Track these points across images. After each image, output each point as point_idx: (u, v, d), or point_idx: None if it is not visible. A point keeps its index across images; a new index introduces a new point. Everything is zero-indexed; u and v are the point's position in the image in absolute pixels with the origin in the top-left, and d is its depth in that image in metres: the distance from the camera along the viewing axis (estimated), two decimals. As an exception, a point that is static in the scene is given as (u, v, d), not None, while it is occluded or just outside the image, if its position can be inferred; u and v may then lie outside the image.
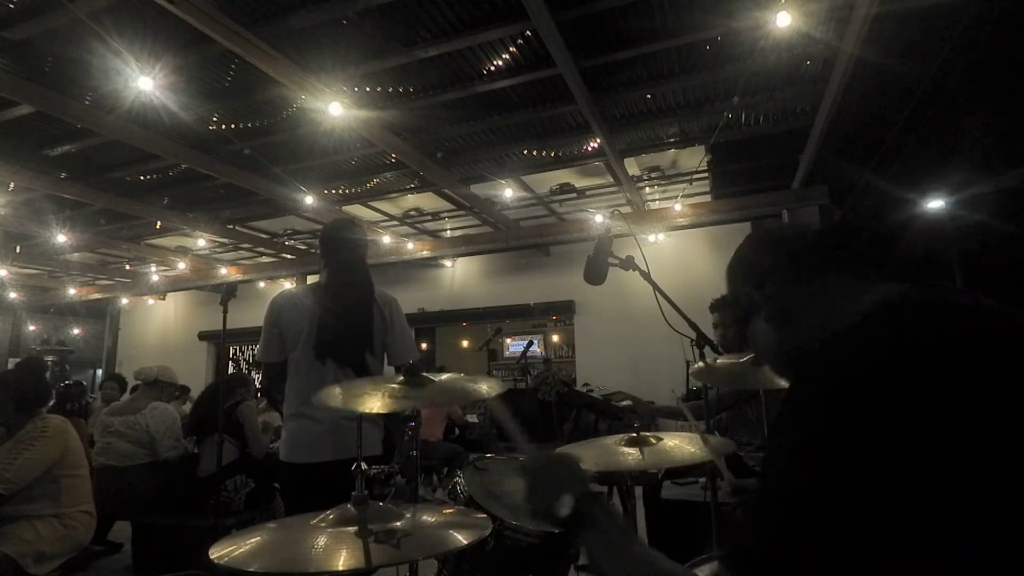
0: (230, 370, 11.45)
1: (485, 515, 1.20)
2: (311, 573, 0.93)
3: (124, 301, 11.63)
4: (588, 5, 3.40)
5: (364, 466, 1.14)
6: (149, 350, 11.66)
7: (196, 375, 10.59)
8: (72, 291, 10.51)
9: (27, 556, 2.19)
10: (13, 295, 10.21)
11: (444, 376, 1.29)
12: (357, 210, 7.17)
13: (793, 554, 0.59)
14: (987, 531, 0.55)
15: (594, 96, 4.42)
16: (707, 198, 7.02)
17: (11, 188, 5.93)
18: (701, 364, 1.68)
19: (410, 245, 8.00)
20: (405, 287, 9.68)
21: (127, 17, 3.34)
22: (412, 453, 1.55)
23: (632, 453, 1.49)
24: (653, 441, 1.55)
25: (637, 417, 2.31)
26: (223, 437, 2.98)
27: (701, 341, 1.66)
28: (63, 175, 5.67)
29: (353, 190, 6.42)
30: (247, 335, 10.81)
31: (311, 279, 9.10)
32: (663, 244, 8.17)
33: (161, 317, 12.34)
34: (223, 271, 9.35)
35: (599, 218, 6.92)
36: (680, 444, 1.51)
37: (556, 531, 1.48)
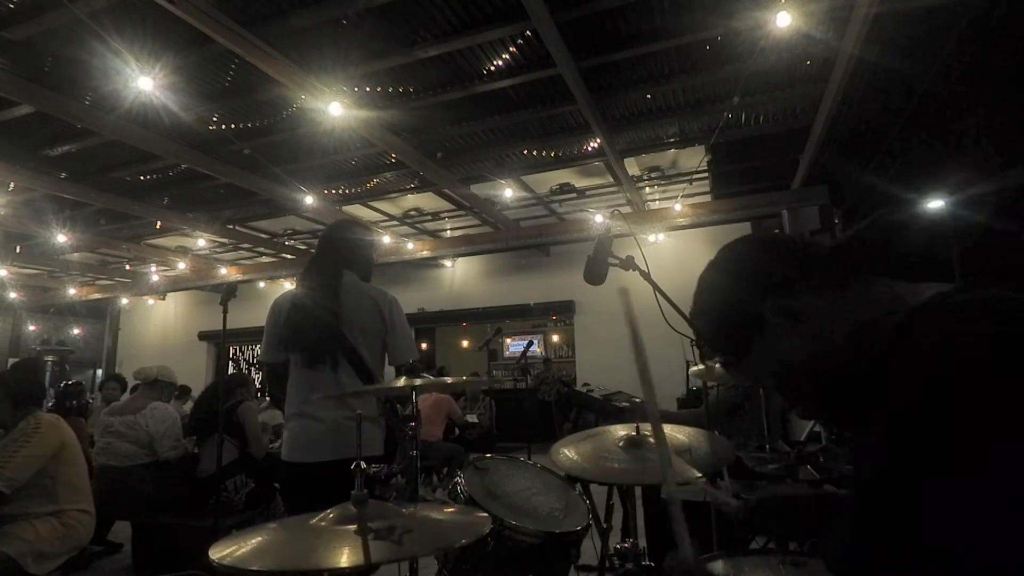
0: (230, 370, 11.46)
1: (485, 515, 1.20)
2: (311, 573, 0.93)
3: (124, 301, 11.63)
4: (588, 5, 3.40)
5: (364, 465, 1.14)
6: (149, 350, 11.67)
7: (196, 375, 10.59)
8: (72, 291, 10.52)
9: (27, 556, 2.19)
10: (13, 295, 10.21)
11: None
12: (357, 210, 7.17)
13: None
14: None
15: (594, 96, 4.42)
16: (707, 198, 7.02)
17: (11, 188, 5.93)
18: (701, 365, 1.68)
19: (410, 245, 8.00)
20: (405, 287, 9.68)
21: (127, 17, 3.34)
22: (412, 453, 1.55)
23: (631, 462, 1.48)
24: (653, 441, 1.54)
25: (637, 417, 2.31)
26: (223, 437, 2.98)
27: (701, 341, 1.65)
28: (63, 175, 5.67)
29: (353, 190, 6.42)
30: (247, 335, 10.87)
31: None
32: (663, 244, 8.17)
33: (161, 317, 12.34)
34: (223, 271, 9.35)
35: (599, 218, 6.92)
36: (679, 452, 1.50)
37: (556, 531, 1.48)
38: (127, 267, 9.83)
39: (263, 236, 8.29)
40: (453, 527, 1.12)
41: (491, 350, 12.09)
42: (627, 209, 7.12)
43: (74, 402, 4.36)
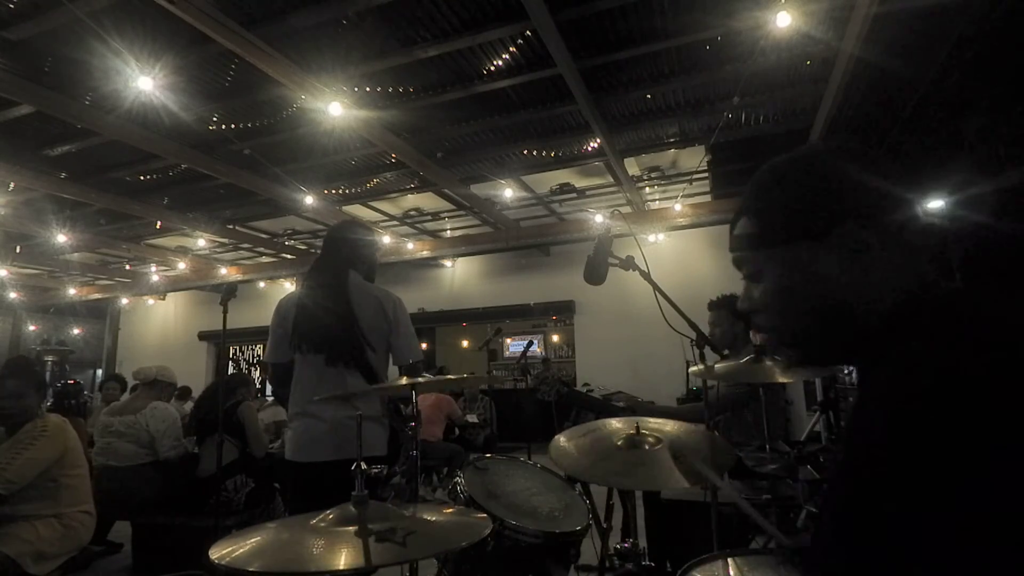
0: (230, 370, 11.46)
1: (485, 515, 1.20)
2: (311, 573, 0.93)
3: (124, 301, 11.63)
4: (588, 5, 3.40)
5: (364, 466, 1.14)
6: (149, 350, 11.67)
7: (196, 375, 10.60)
8: (72, 291, 10.52)
9: (27, 556, 2.19)
10: (13, 295, 10.21)
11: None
12: (357, 210, 7.17)
13: None
14: None
15: (594, 96, 4.43)
16: (707, 198, 7.02)
17: (11, 188, 5.93)
18: (701, 365, 1.68)
19: (410, 245, 8.00)
20: (405, 287, 9.68)
21: (127, 17, 3.34)
22: (412, 453, 1.55)
23: (630, 466, 1.48)
24: (652, 441, 1.54)
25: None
26: (223, 437, 2.98)
27: (701, 341, 1.65)
28: (63, 175, 5.67)
29: (353, 190, 6.42)
30: (247, 335, 10.90)
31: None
32: (663, 244, 8.17)
33: (161, 317, 12.34)
34: (223, 271, 9.35)
35: (599, 218, 6.93)
36: (678, 455, 1.50)
37: (556, 531, 1.48)
38: (127, 267, 9.83)
39: (263, 236, 8.29)
40: (454, 529, 1.12)
41: (491, 350, 12.08)
42: (627, 209, 7.13)
43: (72, 402, 4.36)
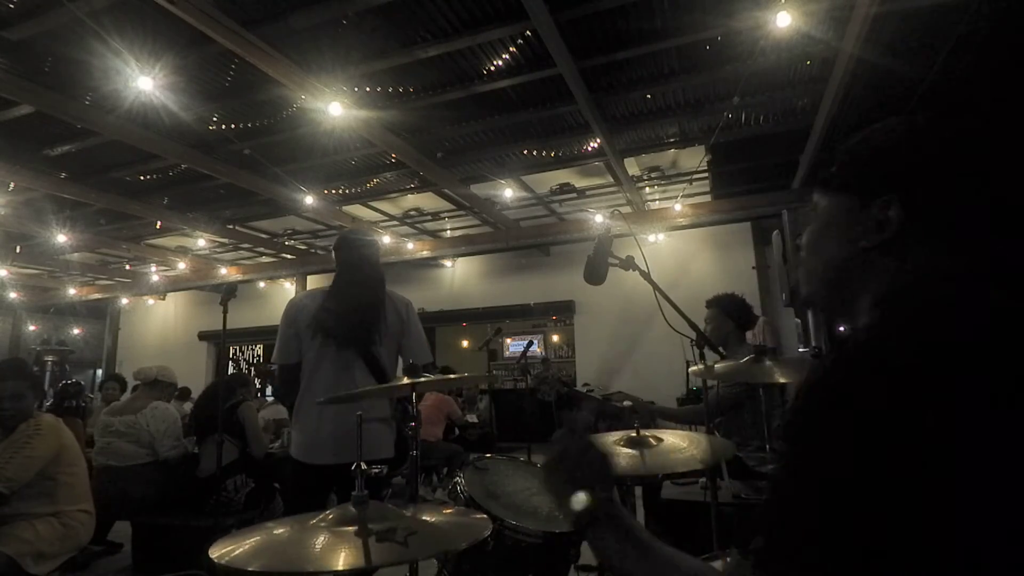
0: (230, 370, 11.46)
1: (485, 515, 1.20)
2: (311, 573, 0.93)
3: (124, 301, 11.63)
4: (588, 5, 3.40)
5: (364, 466, 1.14)
6: (149, 350, 11.66)
7: (196, 375, 10.59)
8: (72, 291, 10.52)
9: (27, 556, 2.19)
10: (13, 295, 10.22)
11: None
12: (357, 210, 7.17)
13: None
14: None
15: (594, 96, 4.42)
16: (707, 198, 7.02)
17: (11, 188, 5.93)
18: (701, 365, 1.68)
19: (410, 245, 8.00)
20: (405, 287, 9.65)
21: (127, 17, 3.34)
22: (412, 453, 1.55)
23: (632, 456, 1.49)
24: (653, 442, 1.55)
25: (637, 417, 2.32)
26: (223, 437, 2.98)
27: (701, 341, 1.66)
28: (63, 175, 5.67)
29: (353, 190, 6.42)
30: (247, 335, 10.89)
31: (311, 280, 9.12)
32: (663, 244, 8.17)
33: (161, 317, 12.34)
34: (223, 271, 9.35)
35: (599, 218, 6.93)
36: (679, 448, 1.51)
37: (556, 531, 1.48)
38: (127, 267, 9.83)
39: (263, 236, 8.29)
40: (454, 529, 1.12)
41: (491, 350, 12.04)
42: (627, 209, 7.13)
43: (73, 402, 4.36)
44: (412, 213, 7.52)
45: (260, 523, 1.15)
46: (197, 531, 3.21)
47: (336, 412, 1.97)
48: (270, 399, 6.04)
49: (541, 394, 8.56)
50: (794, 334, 6.27)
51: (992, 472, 0.47)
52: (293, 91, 4.08)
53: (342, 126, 4.52)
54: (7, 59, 3.78)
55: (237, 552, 0.97)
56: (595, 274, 1.59)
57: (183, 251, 8.88)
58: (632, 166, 6.11)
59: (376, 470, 1.18)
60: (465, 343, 12.68)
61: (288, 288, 10.62)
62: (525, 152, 5.50)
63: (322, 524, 1.08)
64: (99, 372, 12.30)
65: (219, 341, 9.96)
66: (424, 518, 1.15)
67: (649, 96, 4.57)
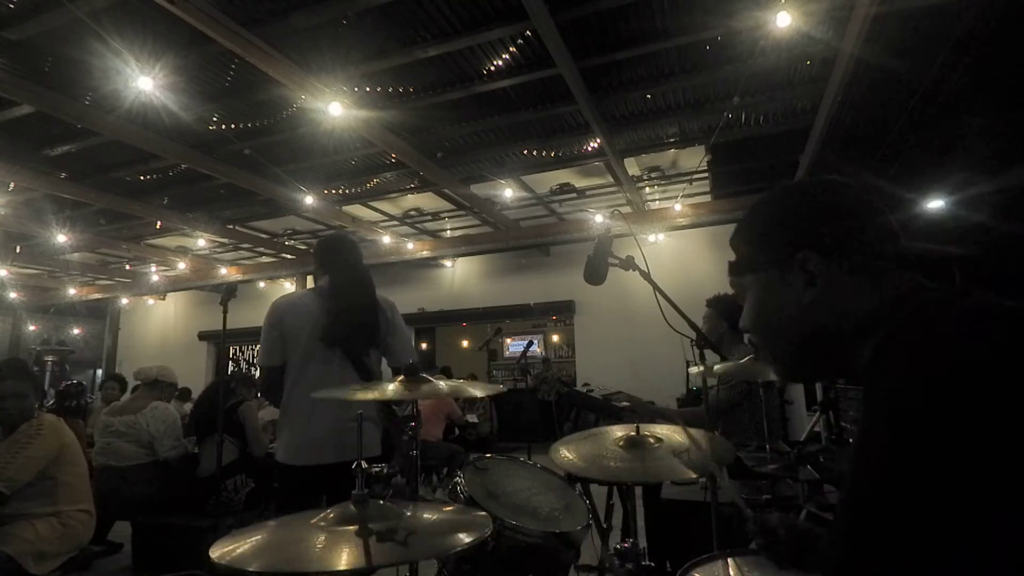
0: (230, 370, 11.46)
1: (485, 515, 1.20)
2: (311, 573, 0.93)
3: (124, 301, 11.63)
4: (588, 5, 3.40)
5: (365, 465, 1.14)
6: (149, 350, 11.67)
7: (196, 375, 10.60)
8: (72, 291, 10.52)
9: (27, 555, 2.19)
10: (13, 295, 10.22)
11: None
12: (357, 210, 7.17)
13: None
14: None
15: (594, 96, 4.43)
16: (707, 198, 7.02)
17: (11, 188, 5.93)
18: (701, 366, 1.68)
19: (410, 245, 8.00)
20: (405, 287, 9.69)
21: (127, 17, 3.34)
22: (412, 453, 1.55)
23: (631, 461, 1.48)
24: (652, 442, 1.54)
25: (637, 417, 2.32)
26: (223, 437, 2.98)
27: (701, 341, 1.66)
28: (63, 175, 5.67)
29: (353, 190, 6.42)
30: (247, 335, 10.83)
31: (311, 280, 9.12)
32: (663, 244, 8.17)
33: (161, 317, 12.34)
34: (223, 271, 9.35)
35: (599, 218, 6.93)
36: (678, 451, 1.50)
37: (556, 531, 1.48)
38: (127, 267, 9.84)
39: (263, 236, 8.29)
40: (454, 529, 1.12)
41: (491, 350, 12.09)
42: (627, 209, 7.13)
43: (74, 402, 4.35)
44: (412, 213, 7.53)
45: (260, 523, 1.15)
46: (197, 531, 3.21)
47: (327, 412, 1.97)
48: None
49: (541, 394, 8.56)
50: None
51: None
52: (293, 91, 4.08)
53: (342, 126, 4.52)
54: (7, 59, 3.78)
55: (237, 552, 0.97)
56: (595, 274, 1.58)
57: (183, 251, 8.88)
58: (632, 166, 6.11)
59: (376, 469, 1.18)
60: (465, 343, 12.69)
61: (288, 288, 10.62)
62: (525, 152, 5.50)
63: (322, 524, 1.08)
64: (99, 372, 12.31)
65: (219, 341, 9.96)
66: (424, 518, 1.15)
67: (649, 96, 4.57)
